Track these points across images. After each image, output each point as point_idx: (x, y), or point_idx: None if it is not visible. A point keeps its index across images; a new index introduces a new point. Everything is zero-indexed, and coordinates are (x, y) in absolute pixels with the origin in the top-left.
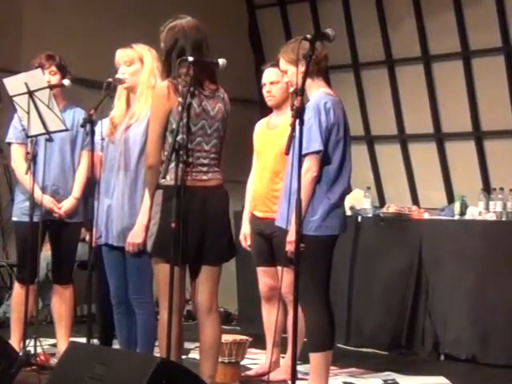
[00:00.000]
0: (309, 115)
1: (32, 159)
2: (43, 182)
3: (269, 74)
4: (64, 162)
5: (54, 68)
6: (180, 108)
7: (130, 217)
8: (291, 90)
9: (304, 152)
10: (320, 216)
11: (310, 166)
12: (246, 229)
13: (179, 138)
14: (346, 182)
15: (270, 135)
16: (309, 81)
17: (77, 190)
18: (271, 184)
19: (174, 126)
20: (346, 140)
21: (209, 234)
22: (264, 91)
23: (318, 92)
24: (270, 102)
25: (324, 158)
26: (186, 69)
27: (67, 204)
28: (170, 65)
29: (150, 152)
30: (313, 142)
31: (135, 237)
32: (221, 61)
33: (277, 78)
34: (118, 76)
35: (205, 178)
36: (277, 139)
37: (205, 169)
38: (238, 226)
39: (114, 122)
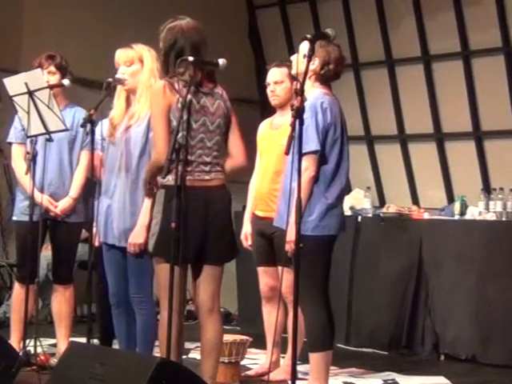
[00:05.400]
0: (305, 115)
1: (32, 159)
2: (41, 182)
3: (273, 74)
4: (62, 162)
5: (52, 68)
6: (179, 106)
7: (131, 217)
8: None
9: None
10: (317, 216)
11: (307, 166)
12: (247, 228)
13: (180, 135)
14: (343, 181)
15: (272, 135)
16: (311, 80)
17: (74, 190)
18: (273, 184)
19: (175, 123)
20: (343, 140)
21: (210, 234)
22: (268, 91)
23: (315, 92)
24: (273, 101)
25: (321, 158)
26: (184, 69)
27: (63, 203)
28: (168, 65)
29: (162, 149)
30: (310, 141)
31: (137, 237)
32: (221, 61)
33: (281, 78)
34: (118, 76)
35: (207, 177)
36: (279, 139)
37: (207, 168)
38: (238, 226)
39: (114, 122)
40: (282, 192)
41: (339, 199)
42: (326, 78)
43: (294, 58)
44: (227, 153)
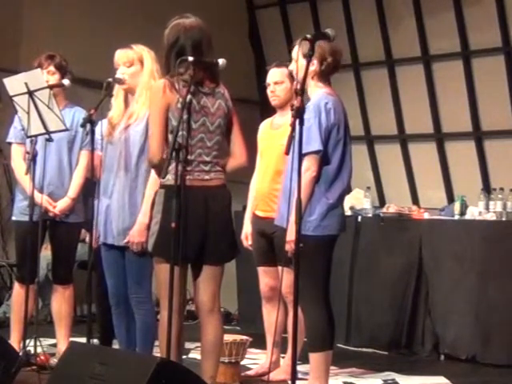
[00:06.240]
0: (309, 115)
1: (32, 159)
2: (40, 182)
3: (273, 74)
4: (61, 162)
5: (52, 68)
6: (179, 106)
7: (130, 216)
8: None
9: (303, 152)
10: (318, 216)
11: (309, 166)
12: (247, 228)
13: (179, 134)
14: (345, 182)
15: (273, 135)
16: (314, 80)
17: (73, 190)
18: (273, 184)
19: (174, 122)
20: (346, 140)
21: (210, 234)
22: (268, 91)
23: (319, 92)
24: (273, 101)
25: (323, 158)
26: (184, 68)
27: (62, 204)
28: (169, 63)
29: (155, 150)
30: (312, 141)
31: (138, 236)
32: (221, 61)
33: (281, 78)
34: (117, 76)
35: (207, 177)
36: (280, 139)
37: (207, 168)
38: (238, 226)
39: (113, 122)
40: (282, 191)
41: (340, 199)
42: (327, 73)
43: (292, 67)
44: (229, 152)
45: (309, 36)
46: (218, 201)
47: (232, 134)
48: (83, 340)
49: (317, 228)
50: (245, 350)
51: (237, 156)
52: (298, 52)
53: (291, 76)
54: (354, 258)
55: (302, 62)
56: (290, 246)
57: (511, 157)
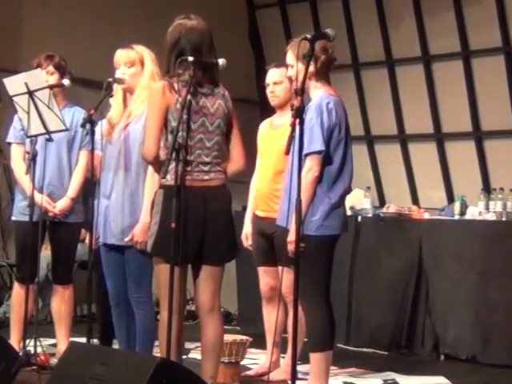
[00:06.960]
0: (311, 115)
1: (32, 159)
2: (40, 182)
3: (272, 74)
4: (60, 162)
5: (51, 68)
6: (178, 106)
7: (130, 216)
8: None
9: (306, 152)
10: (320, 216)
11: (311, 166)
12: (247, 228)
13: (179, 134)
14: (346, 182)
15: (273, 135)
16: (313, 81)
17: (72, 190)
18: (273, 184)
19: (173, 123)
20: (347, 140)
21: (210, 234)
22: (267, 91)
23: (320, 92)
24: (273, 102)
25: (325, 158)
26: (183, 69)
27: (61, 204)
28: (169, 63)
29: (150, 148)
30: (315, 142)
31: (142, 234)
32: (221, 61)
33: (280, 79)
34: (117, 76)
35: (206, 177)
36: (279, 139)
37: (206, 168)
38: (238, 226)
39: (112, 122)
40: (284, 191)
41: (342, 199)
42: (324, 71)
43: (291, 73)
44: (228, 156)
45: (309, 36)
46: (218, 201)
47: (231, 138)
48: (83, 340)
49: (319, 228)
50: (245, 349)
51: (235, 160)
52: (295, 55)
53: (291, 80)
54: (354, 258)
55: (299, 65)
56: (291, 246)
57: (511, 157)
